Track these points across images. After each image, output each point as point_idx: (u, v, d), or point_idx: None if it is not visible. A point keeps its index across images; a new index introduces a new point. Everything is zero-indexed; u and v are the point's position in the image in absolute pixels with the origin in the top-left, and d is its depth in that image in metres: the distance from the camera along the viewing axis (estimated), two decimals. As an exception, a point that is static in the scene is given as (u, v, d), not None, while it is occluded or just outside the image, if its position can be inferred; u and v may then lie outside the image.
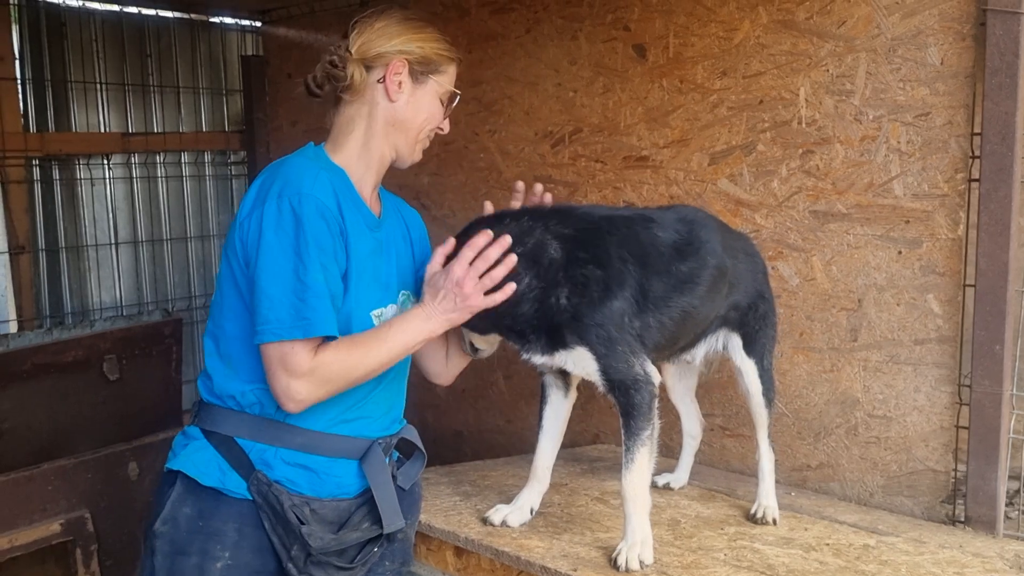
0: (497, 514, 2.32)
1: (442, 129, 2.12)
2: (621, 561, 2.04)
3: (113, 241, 4.32)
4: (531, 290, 2.04)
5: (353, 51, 1.97)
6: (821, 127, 2.74)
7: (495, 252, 1.96)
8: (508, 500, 2.41)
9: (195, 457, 1.92)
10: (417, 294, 2.12)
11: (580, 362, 2.11)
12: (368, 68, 1.98)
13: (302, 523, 1.88)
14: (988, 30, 2.37)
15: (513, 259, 1.98)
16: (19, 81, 3.93)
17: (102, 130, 4.25)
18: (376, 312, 2.00)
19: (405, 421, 2.18)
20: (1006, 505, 4.05)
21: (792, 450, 2.89)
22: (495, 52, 3.59)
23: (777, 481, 2.86)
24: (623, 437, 2.12)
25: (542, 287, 2.05)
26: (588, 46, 3.29)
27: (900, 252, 2.64)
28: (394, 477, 2.06)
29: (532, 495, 2.36)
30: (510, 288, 1.98)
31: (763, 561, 2.12)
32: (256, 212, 1.85)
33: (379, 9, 2.04)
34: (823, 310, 2.80)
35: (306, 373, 1.82)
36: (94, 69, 4.22)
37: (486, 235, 1.98)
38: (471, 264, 1.95)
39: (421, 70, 2.00)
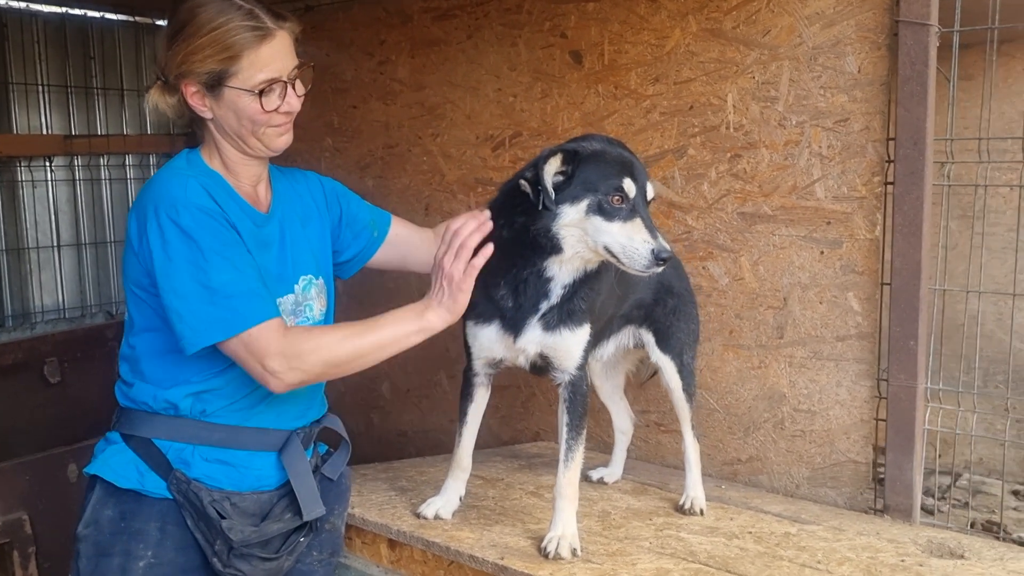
0: (429, 508, 2.37)
1: (289, 111, 1.99)
2: (551, 549, 2.11)
3: (56, 244, 4.30)
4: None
5: (159, 75, 1.97)
6: (748, 132, 2.84)
7: (471, 233, 1.99)
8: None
9: (112, 461, 1.95)
10: (321, 275, 2.15)
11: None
12: (172, 91, 1.97)
13: (222, 517, 1.92)
14: (900, 40, 2.48)
15: (488, 250, 2.00)
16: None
17: (44, 132, 4.22)
18: None
19: (325, 410, 2.21)
20: (939, 499, 4.22)
21: (723, 444, 2.99)
22: (438, 58, 3.65)
23: (709, 475, 2.97)
24: (566, 434, 2.21)
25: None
26: (527, 52, 3.36)
27: (822, 252, 2.74)
28: (319, 468, 2.10)
29: (458, 484, 2.41)
30: (486, 252, 1.99)
31: (686, 548, 2.20)
32: (144, 238, 1.87)
33: (173, 18, 1.95)
34: (751, 308, 2.90)
35: (276, 353, 1.84)
36: (36, 71, 4.19)
37: (467, 219, 2.02)
38: (456, 252, 1.98)
39: (211, 83, 1.92)
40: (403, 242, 2.39)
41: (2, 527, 3.04)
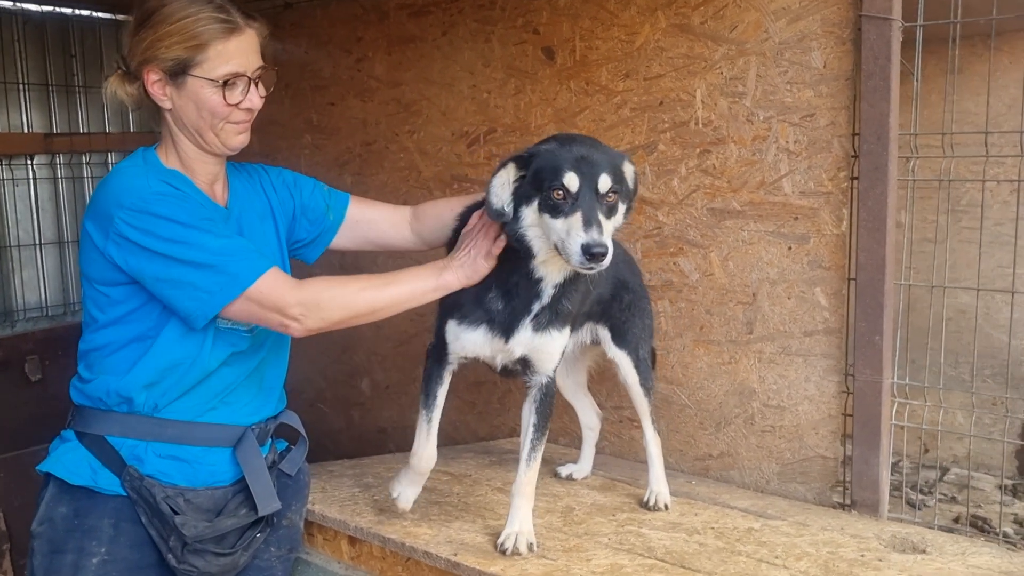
0: (397, 487, 2.33)
1: (250, 108, 2.02)
2: (509, 545, 2.12)
3: (38, 242, 4.31)
4: None
5: (119, 64, 1.99)
6: (717, 127, 2.84)
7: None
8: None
9: (65, 459, 1.97)
10: (279, 263, 2.16)
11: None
12: (132, 80, 1.98)
13: (176, 513, 1.93)
14: (863, 35, 2.48)
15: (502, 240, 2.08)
16: (-63, 81, 3.90)
17: (25, 131, 4.23)
18: None
19: (283, 406, 2.22)
20: (924, 494, 4.22)
21: (695, 440, 2.99)
22: (413, 54, 3.65)
23: (681, 471, 2.98)
24: (532, 434, 2.22)
25: None
26: (500, 48, 3.36)
27: (790, 248, 2.74)
28: (277, 464, 2.11)
29: (421, 483, 2.36)
30: (501, 241, 2.07)
31: (644, 544, 2.21)
32: (110, 236, 1.87)
33: (141, 8, 1.97)
34: (721, 304, 2.90)
35: (293, 303, 1.89)
36: (16, 69, 4.20)
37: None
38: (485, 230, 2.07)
39: (175, 70, 1.94)
40: (365, 222, 2.40)
41: (-24, 524, 3.05)
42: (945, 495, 4.15)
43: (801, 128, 2.68)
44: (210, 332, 1.96)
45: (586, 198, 1.94)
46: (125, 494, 1.94)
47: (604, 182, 1.98)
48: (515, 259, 2.07)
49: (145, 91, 1.97)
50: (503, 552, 2.10)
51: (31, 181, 4.26)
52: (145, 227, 1.85)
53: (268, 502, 2.04)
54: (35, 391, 3.92)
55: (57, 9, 4.36)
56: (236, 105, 1.97)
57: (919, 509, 3.74)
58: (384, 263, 3.78)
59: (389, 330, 3.97)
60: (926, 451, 4.58)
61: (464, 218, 2.21)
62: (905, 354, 2.71)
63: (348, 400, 4.18)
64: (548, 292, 2.11)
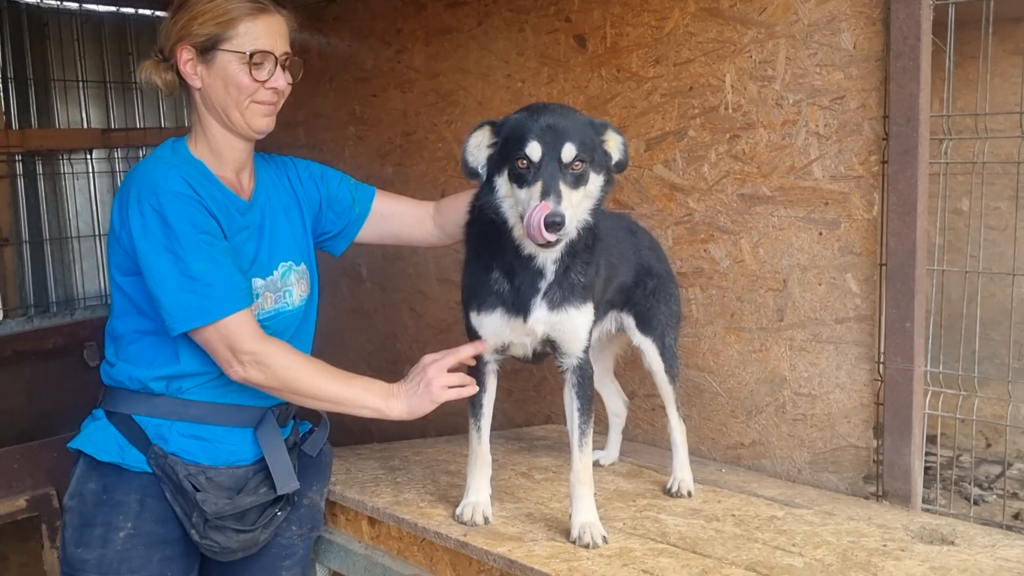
0: (467, 511, 2.23)
1: (276, 90, 2.09)
2: (587, 539, 2.07)
3: (97, 233, 4.48)
4: None
5: (155, 52, 2.07)
6: (746, 112, 2.80)
7: (467, 351, 2.13)
8: (434, 474, 2.51)
9: (94, 436, 2.06)
10: (303, 261, 2.22)
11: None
12: (168, 63, 2.06)
13: (197, 490, 2.00)
14: (892, 14, 2.42)
15: (473, 387, 2.15)
16: (1, 80, 4.09)
17: (84, 126, 4.40)
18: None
19: None
20: (984, 489, 4.10)
21: (726, 429, 2.96)
22: (450, 45, 3.69)
23: (713, 459, 2.96)
24: (578, 419, 2.19)
25: None
26: (534, 37, 3.37)
27: (820, 233, 2.69)
28: (299, 445, 2.17)
29: (485, 480, 2.29)
30: (471, 389, 2.14)
31: (659, 530, 2.20)
32: (125, 224, 1.96)
33: None
34: (751, 291, 2.86)
35: (247, 351, 1.93)
36: (76, 67, 4.37)
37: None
38: (443, 359, 2.10)
39: (205, 46, 2.02)
40: (391, 216, 2.45)
41: (31, 502, 3.20)
42: (1006, 491, 4.02)
43: (831, 111, 2.62)
44: None
45: (548, 168, 1.89)
46: (151, 471, 2.02)
47: (568, 151, 1.92)
48: (500, 236, 2.05)
49: (178, 74, 2.05)
50: (584, 546, 2.06)
51: (90, 175, 4.43)
52: (150, 226, 1.92)
53: (287, 481, 2.10)
54: (93, 376, 4.04)
55: (119, 9, 4.51)
56: (262, 83, 2.05)
57: (977, 504, 3.64)
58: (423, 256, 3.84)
59: (429, 318, 4.03)
60: (988, 445, 4.45)
61: (472, 209, 2.20)
62: (963, 345, 2.65)
63: (391, 387, 4.24)
64: (550, 268, 2.07)
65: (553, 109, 2.00)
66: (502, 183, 1.98)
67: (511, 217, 2.00)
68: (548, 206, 1.83)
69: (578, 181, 1.94)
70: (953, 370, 2.69)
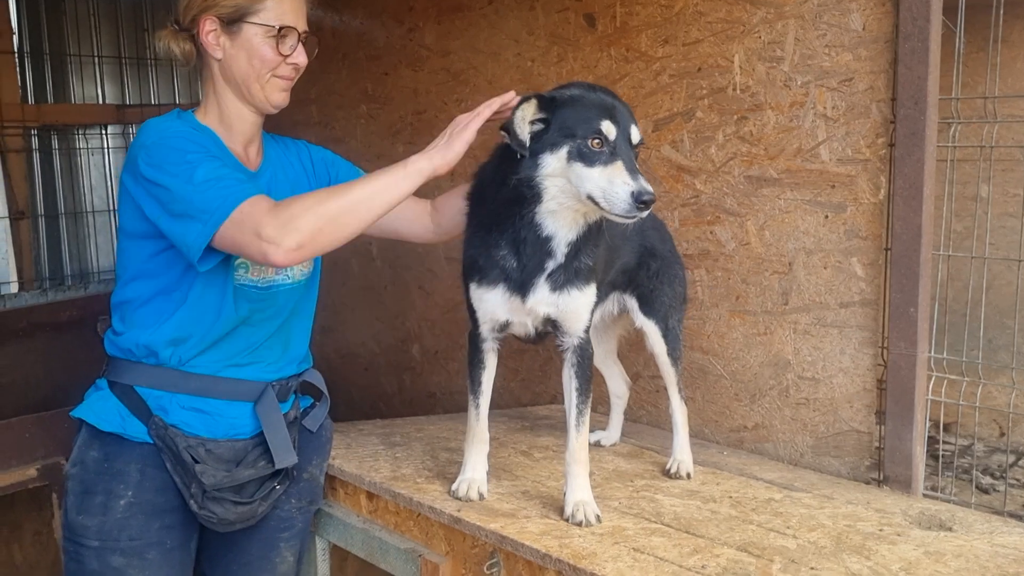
0: (463, 487, 2.25)
1: (297, 65, 2.10)
2: (580, 517, 2.08)
3: (111, 208, 4.52)
4: None
5: (172, 22, 2.07)
6: (754, 93, 2.78)
7: (497, 101, 2.08)
8: (433, 451, 2.53)
9: (96, 406, 2.09)
10: None
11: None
12: (187, 32, 2.06)
13: (196, 462, 2.03)
14: (901, -6, 2.39)
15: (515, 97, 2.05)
16: (17, 55, 4.12)
17: (99, 102, 4.44)
18: None
19: (309, 365, 2.29)
20: (996, 478, 4.08)
21: (730, 411, 2.96)
22: (461, 23, 3.68)
23: (716, 442, 2.96)
24: (576, 399, 2.19)
25: None
26: (544, 16, 3.35)
27: (827, 216, 2.68)
28: (299, 420, 2.19)
29: (482, 457, 2.30)
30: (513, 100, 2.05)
31: (654, 510, 2.21)
32: (138, 182, 1.95)
33: None
34: (757, 274, 2.85)
35: (267, 222, 1.82)
36: (91, 43, 4.40)
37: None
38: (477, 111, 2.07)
39: (231, 18, 2.02)
40: (391, 213, 2.44)
41: (42, 470, 3.25)
42: (1018, 480, 4.00)
43: (839, 93, 2.60)
44: (229, 289, 2.04)
45: (622, 147, 1.91)
46: (151, 442, 2.05)
47: (635, 133, 1.97)
48: (518, 210, 2.03)
49: (196, 45, 2.06)
50: (577, 524, 2.07)
51: (105, 150, 4.47)
52: (157, 161, 1.91)
53: (285, 455, 2.13)
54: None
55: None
56: (285, 57, 2.07)
57: (987, 493, 3.62)
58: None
59: (438, 296, 4.04)
60: (1001, 434, 4.41)
61: (470, 196, 2.20)
62: (970, 333, 2.62)
63: (400, 365, 4.27)
64: (561, 250, 2.06)
65: (604, 89, 2.02)
66: (552, 160, 1.94)
67: (550, 194, 1.98)
68: (632, 184, 1.86)
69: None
70: (961, 357, 2.67)
